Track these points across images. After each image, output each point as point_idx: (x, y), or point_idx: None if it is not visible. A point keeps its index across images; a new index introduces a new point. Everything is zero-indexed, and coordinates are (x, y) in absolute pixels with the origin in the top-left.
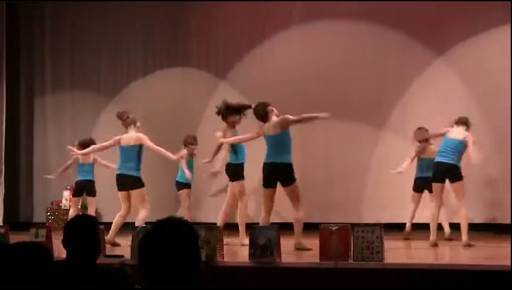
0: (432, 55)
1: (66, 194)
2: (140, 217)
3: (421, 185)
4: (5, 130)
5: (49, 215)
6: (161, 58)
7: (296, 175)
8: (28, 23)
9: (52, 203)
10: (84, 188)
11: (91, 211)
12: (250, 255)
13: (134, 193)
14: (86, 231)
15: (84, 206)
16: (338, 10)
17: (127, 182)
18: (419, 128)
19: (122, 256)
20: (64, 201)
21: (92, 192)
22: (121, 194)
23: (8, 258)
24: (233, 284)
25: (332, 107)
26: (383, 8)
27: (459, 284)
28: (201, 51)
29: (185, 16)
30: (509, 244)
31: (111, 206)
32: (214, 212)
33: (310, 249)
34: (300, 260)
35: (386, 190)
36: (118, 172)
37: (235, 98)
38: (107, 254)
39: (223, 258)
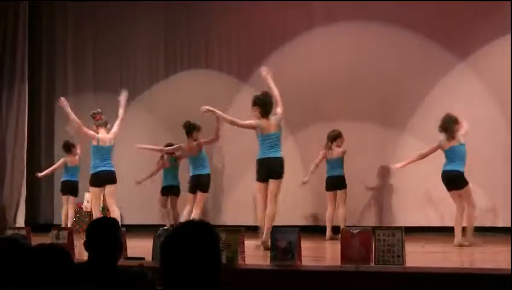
0: (454, 59)
1: (88, 196)
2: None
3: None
4: (27, 132)
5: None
6: (182, 60)
7: (316, 177)
8: (50, 24)
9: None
10: (69, 188)
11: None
12: (271, 258)
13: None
14: (107, 233)
15: (105, 209)
16: (359, 12)
17: (113, 177)
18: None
19: (143, 258)
20: (85, 203)
21: (75, 192)
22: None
23: (29, 260)
24: (254, 287)
25: (354, 109)
26: (405, 11)
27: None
28: (222, 53)
29: (206, 18)
30: None
31: (133, 209)
32: (234, 215)
33: None
34: (321, 263)
35: (406, 194)
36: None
37: None
38: (128, 256)
39: (244, 261)
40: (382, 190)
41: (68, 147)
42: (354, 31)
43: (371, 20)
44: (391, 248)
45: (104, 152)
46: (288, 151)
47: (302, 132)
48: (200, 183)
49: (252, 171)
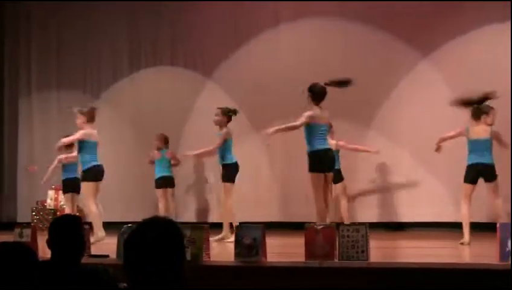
0: (418, 56)
1: (51, 193)
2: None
3: None
4: None
5: (34, 215)
6: (146, 57)
7: (280, 171)
8: (12, 22)
9: (37, 203)
10: (70, 186)
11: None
12: (236, 255)
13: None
14: (70, 231)
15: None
16: (325, 9)
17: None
18: None
19: (107, 256)
20: (49, 201)
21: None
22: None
23: None
24: (218, 283)
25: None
26: (370, 8)
27: (444, 283)
28: (187, 50)
29: (171, 15)
30: None
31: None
32: (198, 213)
33: None
34: (285, 259)
35: (373, 190)
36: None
37: (220, 97)
38: (92, 253)
39: (209, 257)
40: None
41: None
42: (319, 28)
43: (336, 17)
44: (355, 243)
45: (95, 147)
46: (254, 148)
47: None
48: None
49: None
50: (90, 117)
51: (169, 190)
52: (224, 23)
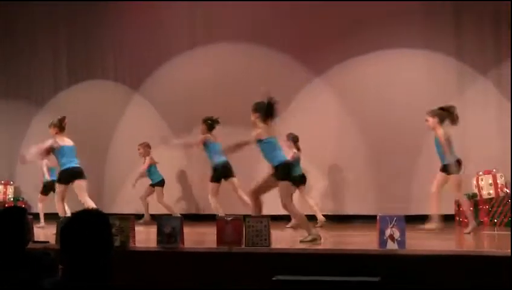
0: (311, 74)
1: (0, 188)
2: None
3: None
4: None
5: None
6: (82, 71)
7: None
8: None
9: None
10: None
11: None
12: (158, 242)
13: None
14: (15, 220)
15: (16, 199)
16: (234, 34)
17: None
18: None
19: (48, 242)
20: None
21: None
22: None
23: None
24: (143, 266)
25: (228, 116)
26: (272, 33)
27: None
28: (117, 65)
29: (102, 32)
30: None
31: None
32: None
33: None
34: (200, 246)
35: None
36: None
37: (146, 108)
38: (35, 240)
39: (135, 244)
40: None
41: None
42: (228, 50)
43: (243, 41)
44: (259, 233)
45: (69, 151)
46: (174, 153)
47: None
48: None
49: None
50: (61, 127)
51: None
52: (148, 42)
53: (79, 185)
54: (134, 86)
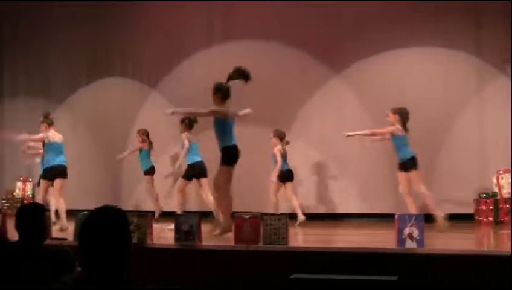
0: (329, 73)
1: (19, 184)
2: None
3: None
4: None
5: (4, 202)
6: (100, 69)
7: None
8: None
9: (7, 193)
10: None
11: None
12: (176, 239)
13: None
14: (34, 217)
15: (34, 196)
16: (251, 32)
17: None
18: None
19: (66, 239)
20: (17, 191)
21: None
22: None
23: None
24: (160, 263)
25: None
26: (290, 31)
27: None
28: (135, 63)
29: (121, 30)
30: None
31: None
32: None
33: None
34: (217, 243)
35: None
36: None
37: (164, 106)
38: (53, 236)
39: (153, 241)
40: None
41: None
42: (246, 48)
43: (261, 39)
44: (277, 231)
45: (57, 148)
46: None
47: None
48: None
49: None
50: (50, 121)
51: None
52: (166, 41)
53: (58, 183)
54: (151, 84)
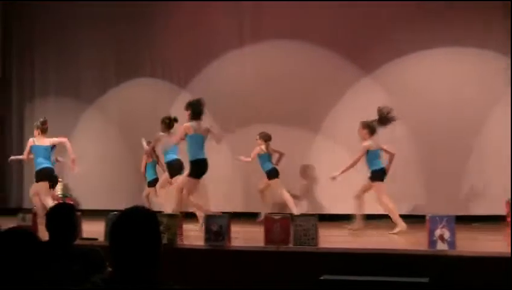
0: (360, 73)
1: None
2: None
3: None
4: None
5: None
6: (130, 69)
7: (241, 170)
8: (19, 34)
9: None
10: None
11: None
12: (205, 240)
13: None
14: (64, 217)
15: (65, 196)
16: (282, 32)
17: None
18: None
19: (97, 239)
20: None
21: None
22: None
23: None
24: (190, 264)
25: (275, 115)
26: (320, 31)
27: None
28: (165, 63)
29: (151, 30)
30: None
31: (87, 195)
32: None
33: None
34: (247, 244)
35: (321, 185)
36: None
37: None
38: (83, 237)
39: (182, 241)
40: (300, 180)
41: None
42: (275, 47)
43: (291, 39)
44: (307, 232)
45: (44, 151)
46: (226, 150)
47: (236, 134)
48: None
49: None
50: (43, 129)
51: None
52: (196, 41)
53: (44, 185)
54: (181, 84)
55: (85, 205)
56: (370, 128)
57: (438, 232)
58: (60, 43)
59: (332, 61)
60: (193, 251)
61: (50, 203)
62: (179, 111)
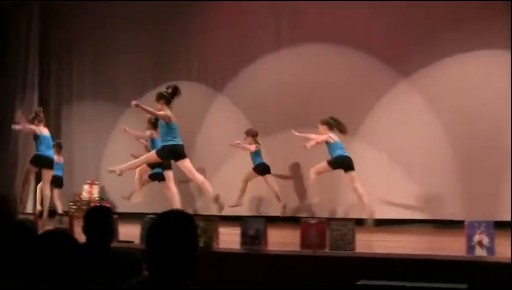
0: (397, 77)
1: (86, 187)
2: None
3: None
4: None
5: (72, 205)
6: (167, 72)
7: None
8: (57, 38)
9: (74, 195)
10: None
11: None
12: (242, 243)
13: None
14: (102, 219)
15: (101, 198)
16: (319, 35)
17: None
18: None
19: (133, 241)
20: (84, 193)
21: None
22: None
23: (38, 243)
24: (227, 267)
25: (312, 119)
26: (357, 34)
27: (418, 272)
28: (201, 66)
29: (187, 33)
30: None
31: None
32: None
33: None
34: (284, 248)
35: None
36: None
37: (229, 110)
38: (120, 239)
39: (218, 245)
40: (338, 185)
41: (59, 146)
42: (312, 51)
43: (327, 43)
44: (343, 236)
45: (47, 140)
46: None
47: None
48: None
49: None
50: (39, 118)
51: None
52: (232, 44)
53: (47, 173)
54: (218, 88)
55: (121, 208)
56: (328, 125)
57: (476, 237)
58: (97, 43)
59: (368, 64)
60: (229, 255)
61: (48, 192)
62: (216, 114)
